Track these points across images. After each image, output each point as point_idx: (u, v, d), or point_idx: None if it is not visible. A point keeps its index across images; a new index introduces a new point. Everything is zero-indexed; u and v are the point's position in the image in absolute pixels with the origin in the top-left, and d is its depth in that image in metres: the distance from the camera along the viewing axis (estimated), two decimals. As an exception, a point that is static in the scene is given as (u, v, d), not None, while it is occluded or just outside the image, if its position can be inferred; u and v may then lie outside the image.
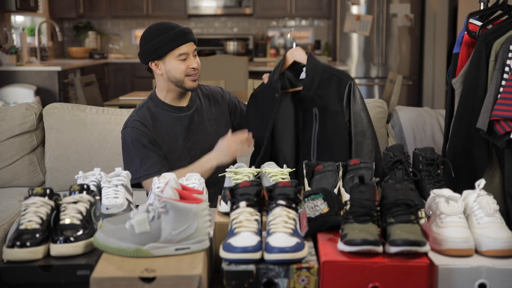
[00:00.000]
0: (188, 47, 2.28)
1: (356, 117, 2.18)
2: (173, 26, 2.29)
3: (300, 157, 2.22)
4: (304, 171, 1.93)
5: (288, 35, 2.27)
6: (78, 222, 1.54)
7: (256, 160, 2.23)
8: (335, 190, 1.80)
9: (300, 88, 2.26)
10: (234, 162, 2.28)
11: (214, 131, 2.41)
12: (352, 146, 2.16)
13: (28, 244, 1.46)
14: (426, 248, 1.43)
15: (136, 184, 2.28)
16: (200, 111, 2.42)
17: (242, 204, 1.51)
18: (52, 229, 1.55)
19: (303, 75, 2.29)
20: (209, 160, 2.27)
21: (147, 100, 2.41)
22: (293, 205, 1.52)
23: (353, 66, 7.28)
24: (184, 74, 2.28)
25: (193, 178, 1.88)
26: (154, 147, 2.30)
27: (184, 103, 2.40)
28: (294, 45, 2.29)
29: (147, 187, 2.28)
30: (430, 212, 1.60)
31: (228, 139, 2.29)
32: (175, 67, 2.27)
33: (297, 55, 2.29)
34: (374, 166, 1.86)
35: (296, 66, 2.31)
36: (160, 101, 2.37)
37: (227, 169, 1.91)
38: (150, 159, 2.27)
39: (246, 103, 2.47)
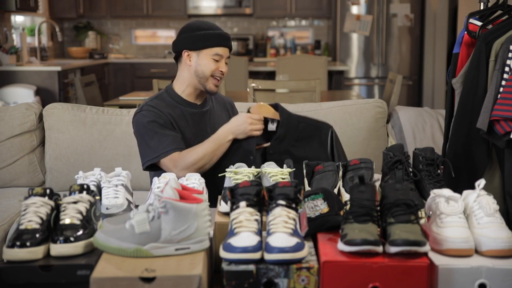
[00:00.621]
0: (225, 52, 2.34)
1: (342, 160, 2.24)
2: (219, 27, 2.37)
3: None
4: (304, 171, 1.93)
5: (248, 90, 2.29)
6: (78, 222, 1.54)
7: None
8: (335, 190, 1.80)
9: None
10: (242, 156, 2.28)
11: None
12: None
13: (28, 244, 1.46)
14: (426, 248, 1.43)
15: (150, 167, 2.28)
16: (212, 113, 2.44)
17: (242, 204, 1.51)
18: (52, 229, 1.55)
19: (270, 126, 2.33)
20: (225, 133, 2.29)
21: (162, 92, 2.42)
22: (293, 205, 1.52)
23: (353, 66, 7.28)
24: (211, 74, 2.32)
25: (193, 178, 1.89)
26: (172, 128, 2.31)
27: (198, 102, 2.42)
28: (253, 99, 2.32)
29: (165, 165, 2.25)
30: (430, 212, 1.60)
31: (245, 114, 2.31)
32: (206, 63, 2.31)
33: (265, 111, 2.32)
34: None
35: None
36: (176, 94, 2.39)
37: (227, 169, 1.91)
38: (168, 138, 2.26)
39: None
